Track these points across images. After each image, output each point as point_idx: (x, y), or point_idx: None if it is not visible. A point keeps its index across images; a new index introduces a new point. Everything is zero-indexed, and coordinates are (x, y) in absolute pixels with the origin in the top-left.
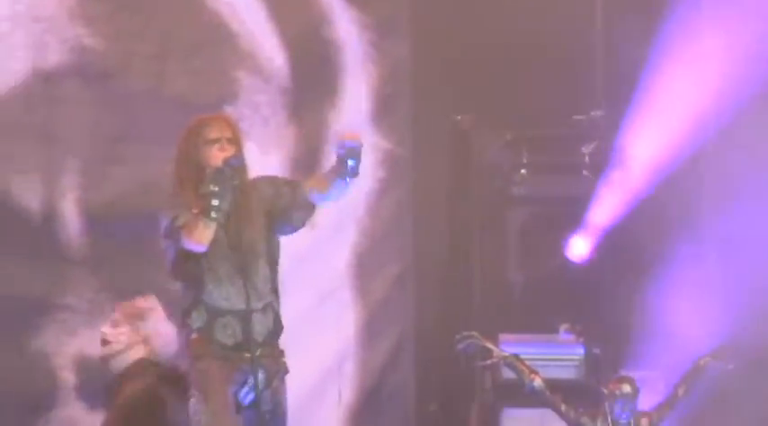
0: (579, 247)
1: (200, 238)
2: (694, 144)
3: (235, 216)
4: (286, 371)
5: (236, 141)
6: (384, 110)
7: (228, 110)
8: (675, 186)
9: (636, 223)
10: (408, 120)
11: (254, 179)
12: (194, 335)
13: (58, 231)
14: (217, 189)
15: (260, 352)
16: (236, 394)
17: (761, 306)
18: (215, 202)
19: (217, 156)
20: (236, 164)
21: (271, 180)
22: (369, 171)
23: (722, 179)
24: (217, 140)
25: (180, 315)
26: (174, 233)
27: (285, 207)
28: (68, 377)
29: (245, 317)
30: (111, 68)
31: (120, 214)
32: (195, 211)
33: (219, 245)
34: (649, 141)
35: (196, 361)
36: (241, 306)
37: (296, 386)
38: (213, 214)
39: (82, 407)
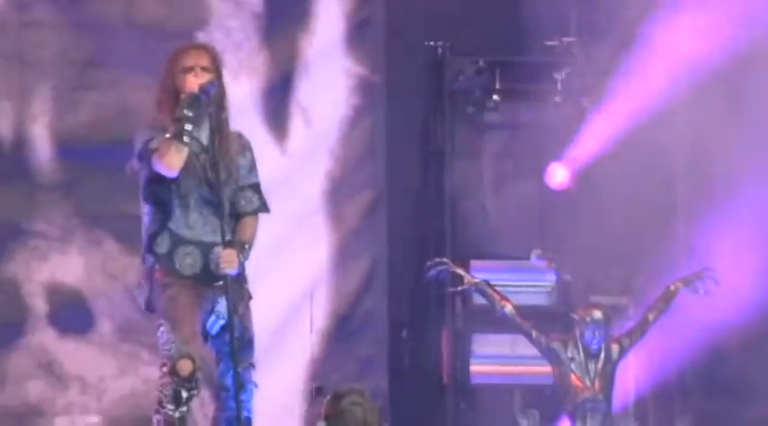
0: (560, 175)
1: (171, 162)
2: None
3: (212, 148)
4: (250, 297)
5: (212, 70)
6: (357, 36)
7: (200, 36)
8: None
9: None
10: (382, 47)
11: (240, 135)
12: (157, 266)
13: (29, 156)
14: (190, 114)
15: (228, 281)
16: (203, 323)
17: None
18: (188, 127)
19: (191, 83)
20: (212, 91)
21: (251, 162)
22: (342, 97)
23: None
24: (191, 68)
25: (145, 240)
26: (146, 155)
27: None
28: (39, 303)
29: (206, 249)
30: None
31: (92, 139)
32: (168, 135)
33: (193, 174)
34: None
35: (164, 289)
36: (206, 237)
37: (268, 312)
38: (185, 138)
39: (52, 334)
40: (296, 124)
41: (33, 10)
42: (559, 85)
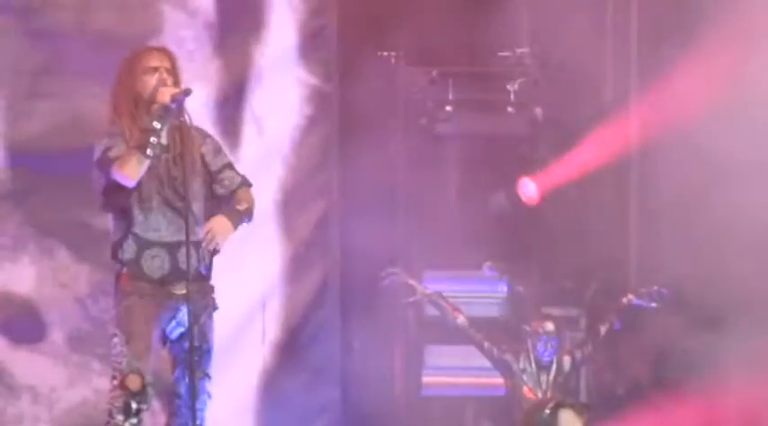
0: (530, 191)
1: (132, 173)
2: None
3: (173, 150)
4: (215, 307)
5: (175, 73)
6: (310, 45)
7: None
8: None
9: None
10: (335, 57)
11: (198, 127)
12: (125, 270)
13: None
14: (159, 126)
15: (190, 288)
16: (163, 329)
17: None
18: (153, 140)
19: (154, 86)
20: (182, 101)
21: (215, 146)
22: (295, 107)
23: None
24: (156, 69)
25: (112, 248)
26: (105, 163)
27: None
28: None
29: (173, 249)
30: (34, 2)
31: (45, 148)
32: (132, 145)
33: (155, 177)
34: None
35: (123, 298)
36: (170, 238)
37: (220, 323)
38: (149, 151)
39: (4, 343)
40: (249, 133)
41: None
42: (512, 96)
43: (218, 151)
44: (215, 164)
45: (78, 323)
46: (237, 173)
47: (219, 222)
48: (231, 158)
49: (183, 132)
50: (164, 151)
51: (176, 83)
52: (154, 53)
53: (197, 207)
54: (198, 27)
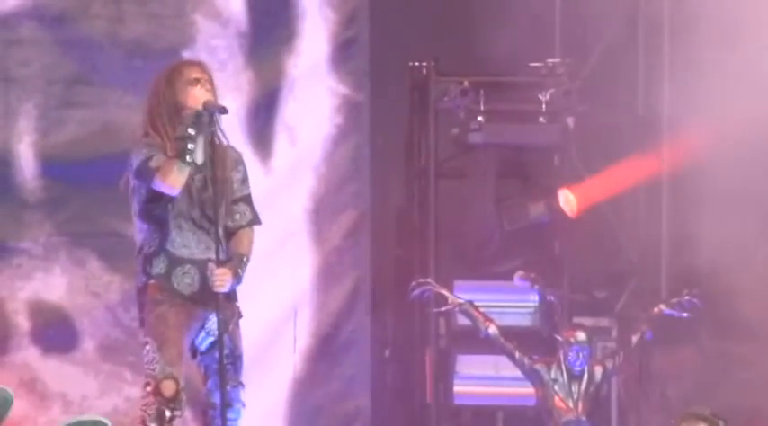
0: (571, 201)
1: (174, 182)
2: None
3: (208, 166)
4: (240, 315)
5: (211, 86)
6: (342, 55)
7: (185, 55)
8: None
9: None
10: (366, 66)
11: (236, 150)
12: (153, 281)
13: (14, 174)
14: (193, 132)
15: (219, 297)
16: (193, 340)
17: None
18: (191, 146)
19: (196, 97)
20: (215, 111)
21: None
22: (327, 117)
23: None
24: (197, 80)
25: (141, 261)
26: (146, 173)
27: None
28: (22, 321)
29: (202, 267)
30: (68, 11)
31: (77, 157)
32: (171, 154)
33: (187, 195)
34: None
35: (154, 307)
36: (201, 255)
37: (252, 331)
38: (188, 158)
39: (36, 352)
40: (281, 143)
41: (18, 28)
42: (544, 106)
43: (244, 180)
44: (236, 193)
45: (109, 332)
46: (251, 209)
47: (225, 274)
48: (250, 190)
49: (217, 154)
50: (197, 171)
51: (215, 95)
52: (195, 65)
53: (222, 233)
54: (230, 37)
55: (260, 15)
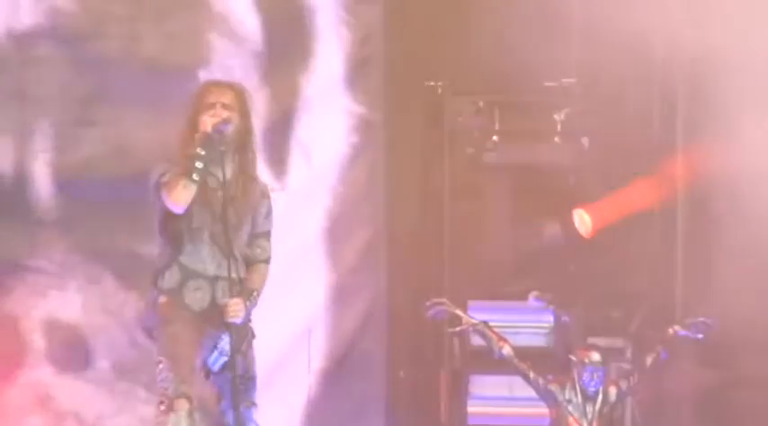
0: (586, 222)
1: (178, 198)
2: None
3: (233, 185)
4: (253, 335)
5: (234, 108)
6: (357, 74)
7: (201, 74)
8: None
9: None
10: (381, 85)
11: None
12: (163, 299)
13: (29, 192)
14: (202, 152)
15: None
16: (205, 359)
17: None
18: (198, 165)
19: (207, 122)
20: (225, 130)
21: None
22: (342, 135)
23: None
24: (213, 105)
25: (153, 274)
26: (158, 188)
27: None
28: (37, 340)
29: (213, 283)
30: (84, 30)
31: (92, 176)
32: (178, 171)
33: (209, 210)
34: None
35: (165, 325)
36: (213, 272)
37: (266, 351)
38: (195, 176)
39: (51, 370)
40: (296, 162)
41: (34, 46)
42: (559, 126)
43: (268, 214)
44: (260, 227)
45: (125, 351)
46: (269, 246)
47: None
48: (272, 226)
49: (246, 177)
50: (220, 188)
51: (241, 115)
52: (213, 88)
53: (237, 252)
54: (245, 56)
55: (275, 34)
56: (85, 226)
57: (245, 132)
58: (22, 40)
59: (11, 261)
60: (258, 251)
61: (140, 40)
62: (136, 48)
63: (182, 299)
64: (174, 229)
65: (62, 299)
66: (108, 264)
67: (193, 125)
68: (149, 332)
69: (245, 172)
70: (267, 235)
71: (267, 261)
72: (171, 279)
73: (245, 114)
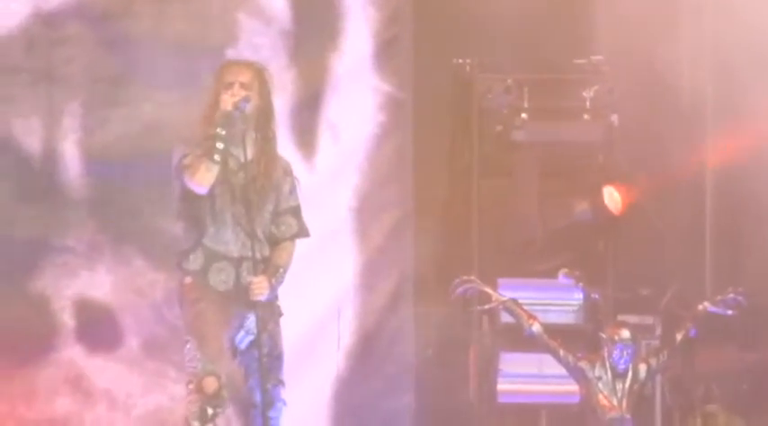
0: (615, 199)
1: (201, 180)
2: None
3: (254, 165)
4: (280, 314)
5: (253, 86)
6: (385, 53)
7: (229, 53)
8: None
9: None
10: (409, 64)
11: (286, 161)
12: (188, 279)
13: (59, 173)
14: (223, 132)
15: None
16: (232, 338)
17: None
18: (219, 145)
19: (227, 100)
20: (244, 107)
21: (292, 185)
22: (370, 115)
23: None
24: (231, 84)
25: (177, 257)
26: (179, 171)
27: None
28: (67, 319)
29: (237, 264)
30: (111, 9)
31: (120, 156)
32: (199, 153)
33: (229, 191)
34: None
35: (192, 305)
36: (237, 253)
37: (295, 330)
38: (216, 156)
39: (81, 350)
40: (324, 141)
41: (62, 26)
42: (588, 103)
43: (292, 191)
44: (283, 204)
45: (154, 330)
46: (298, 222)
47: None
48: (299, 201)
49: (268, 157)
50: (241, 169)
51: (260, 94)
52: (232, 67)
53: (260, 232)
54: (274, 35)
55: (303, 13)
56: (114, 207)
57: (266, 111)
58: (50, 21)
59: (41, 241)
60: (283, 228)
61: (168, 20)
62: (164, 28)
63: (206, 281)
64: (196, 212)
65: (92, 279)
66: (137, 244)
67: (214, 105)
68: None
69: (266, 150)
70: (292, 211)
71: (293, 237)
72: (195, 261)
73: (264, 93)
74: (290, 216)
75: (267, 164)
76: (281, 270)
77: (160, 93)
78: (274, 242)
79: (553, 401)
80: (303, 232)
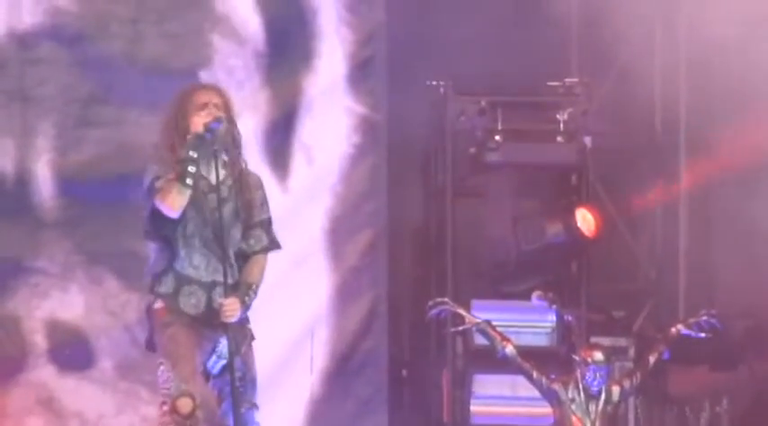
0: (587, 220)
1: (173, 204)
2: None
3: (225, 187)
4: (253, 337)
5: (223, 108)
6: (359, 75)
7: (203, 75)
8: None
9: None
10: (383, 86)
11: (256, 175)
12: (159, 304)
13: (32, 193)
14: (195, 155)
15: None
16: (204, 363)
17: None
18: (191, 169)
19: (196, 122)
20: (217, 128)
21: (263, 199)
22: (344, 136)
23: None
24: (205, 105)
25: (149, 280)
26: (151, 193)
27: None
28: (39, 340)
29: (209, 289)
30: (85, 30)
31: (94, 177)
32: (171, 177)
33: (200, 215)
34: None
35: (164, 328)
36: (209, 278)
37: (268, 352)
38: (188, 180)
39: (52, 370)
40: (298, 162)
41: (36, 47)
42: (562, 126)
43: (263, 204)
44: (255, 217)
45: (127, 351)
46: (267, 235)
47: (233, 304)
48: (270, 215)
49: (240, 174)
50: (211, 191)
51: (228, 118)
52: (202, 90)
53: (233, 254)
54: (247, 57)
55: (277, 35)
56: (87, 227)
57: (233, 134)
58: (24, 41)
59: (13, 262)
60: (252, 241)
61: (142, 41)
62: (138, 49)
63: (177, 304)
64: (167, 235)
65: (64, 300)
66: (110, 265)
67: (183, 128)
68: (148, 343)
69: (236, 167)
70: (262, 224)
71: (264, 251)
72: (166, 284)
73: (231, 117)
74: (260, 229)
75: (241, 179)
76: (254, 286)
77: (134, 114)
78: (245, 257)
79: (526, 423)
80: (274, 245)
